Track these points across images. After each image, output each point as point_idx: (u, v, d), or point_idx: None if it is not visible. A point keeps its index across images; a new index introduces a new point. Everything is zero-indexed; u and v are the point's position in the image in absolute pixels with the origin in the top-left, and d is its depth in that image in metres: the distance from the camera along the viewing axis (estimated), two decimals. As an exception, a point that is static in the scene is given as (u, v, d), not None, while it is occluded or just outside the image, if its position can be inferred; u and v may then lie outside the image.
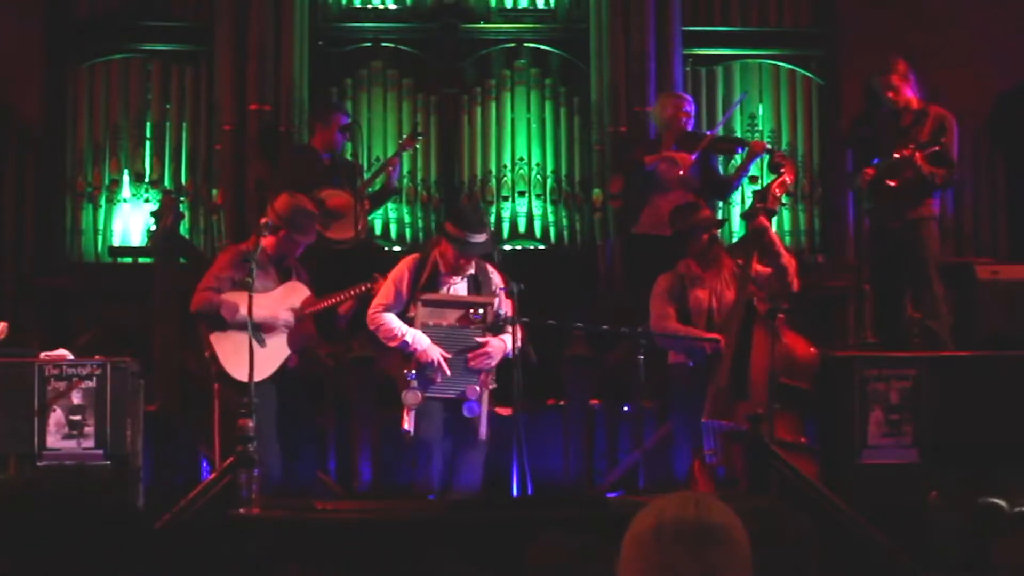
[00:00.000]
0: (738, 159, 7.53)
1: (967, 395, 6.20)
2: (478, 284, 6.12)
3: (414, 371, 5.91)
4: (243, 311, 5.84)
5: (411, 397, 5.90)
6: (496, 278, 6.18)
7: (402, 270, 6.12)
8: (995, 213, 8.30)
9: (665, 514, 2.04)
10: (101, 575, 1.54)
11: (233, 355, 5.94)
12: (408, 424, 5.92)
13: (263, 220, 6.17)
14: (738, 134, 8.21)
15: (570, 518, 5.22)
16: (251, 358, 5.64)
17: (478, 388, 5.96)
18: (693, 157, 7.14)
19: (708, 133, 7.46)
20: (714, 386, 6.06)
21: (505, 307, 6.08)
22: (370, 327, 6.08)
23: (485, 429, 5.94)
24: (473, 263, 6.09)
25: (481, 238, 6.01)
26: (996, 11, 8.38)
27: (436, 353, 5.94)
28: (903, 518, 5.77)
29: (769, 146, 7.56)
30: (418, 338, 5.97)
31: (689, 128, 7.37)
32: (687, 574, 1.99)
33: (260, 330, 5.98)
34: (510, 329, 5.96)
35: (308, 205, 6.35)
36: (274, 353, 6.12)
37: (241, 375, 5.77)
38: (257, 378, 5.70)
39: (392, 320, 6.03)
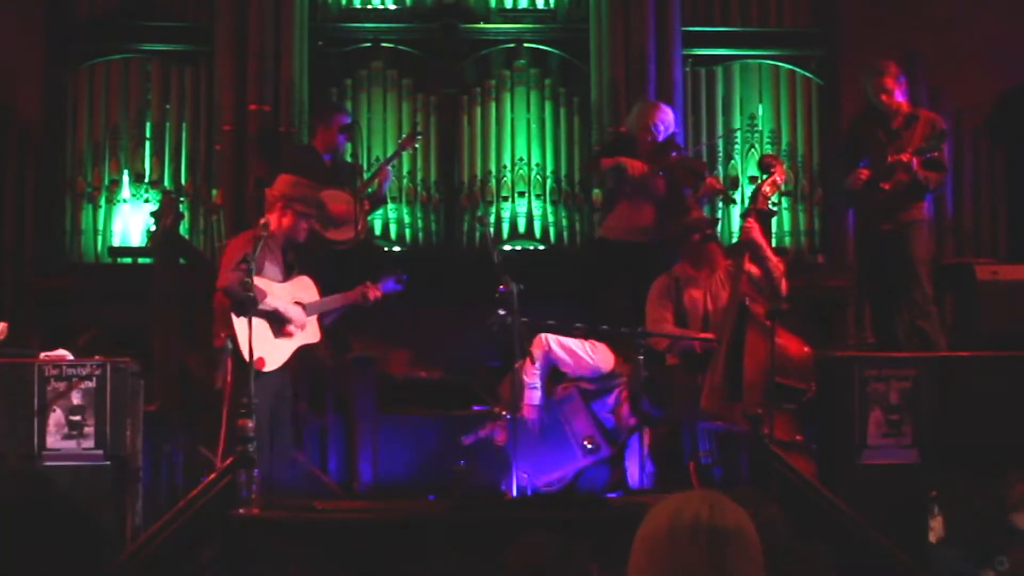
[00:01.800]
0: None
1: (967, 395, 6.20)
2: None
3: (509, 416, 6.02)
4: (268, 300, 5.93)
5: (496, 433, 6.03)
6: None
7: (586, 353, 6.38)
8: (995, 213, 8.30)
9: (680, 515, 2.03)
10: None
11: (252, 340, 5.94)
12: (469, 440, 6.08)
13: (262, 220, 6.16)
14: (737, 135, 8.21)
15: (570, 518, 5.22)
16: (251, 356, 5.65)
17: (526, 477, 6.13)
18: (647, 168, 7.14)
19: (674, 154, 7.41)
20: (708, 386, 6.06)
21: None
22: (533, 347, 6.27)
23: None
24: None
25: (662, 415, 6.27)
26: (996, 11, 8.38)
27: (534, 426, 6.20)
28: (903, 518, 5.77)
29: (722, 186, 7.62)
30: (535, 400, 6.22)
31: (659, 139, 7.34)
32: (700, 575, 1.99)
33: (278, 321, 6.06)
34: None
35: (307, 180, 6.39)
36: (287, 343, 6.16)
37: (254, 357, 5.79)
38: (269, 367, 5.85)
39: (536, 372, 6.28)
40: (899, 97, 6.97)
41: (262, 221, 6.13)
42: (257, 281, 5.93)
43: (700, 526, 2.02)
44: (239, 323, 5.92)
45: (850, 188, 6.99)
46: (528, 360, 6.20)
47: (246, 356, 5.82)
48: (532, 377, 6.23)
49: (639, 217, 7.19)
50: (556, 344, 6.32)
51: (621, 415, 6.24)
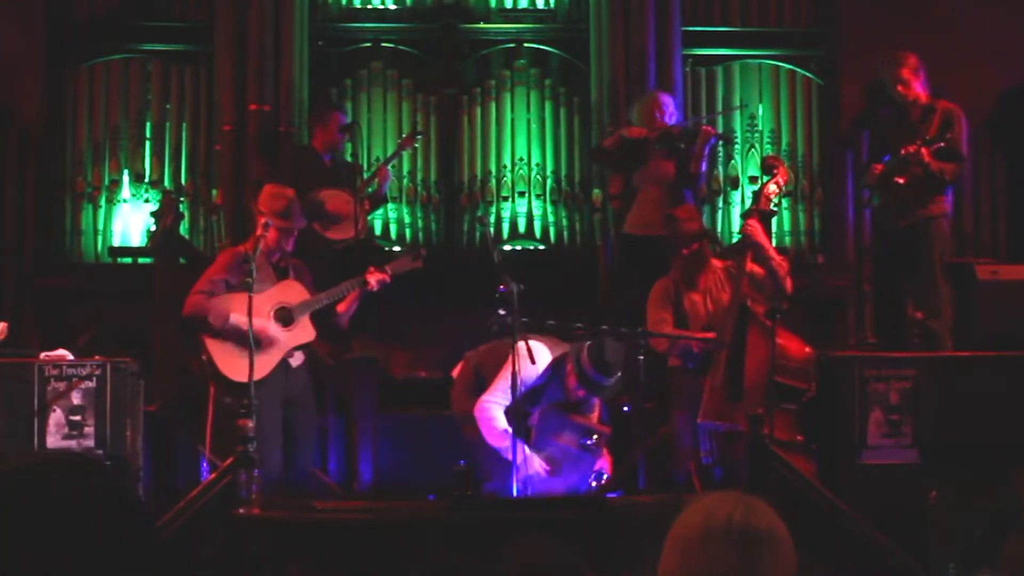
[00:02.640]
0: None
1: (967, 395, 6.20)
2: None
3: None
4: (232, 319, 5.87)
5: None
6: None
7: (521, 370, 5.94)
8: (995, 213, 8.30)
9: (714, 515, 2.03)
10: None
11: (228, 356, 5.93)
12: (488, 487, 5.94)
13: (262, 221, 6.15)
14: (737, 135, 8.22)
15: (570, 518, 5.22)
16: (251, 356, 5.65)
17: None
18: (644, 132, 7.16)
19: (678, 123, 7.42)
20: (709, 387, 6.05)
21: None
22: (476, 413, 5.99)
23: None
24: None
25: (610, 382, 5.98)
26: (996, 11, 8.38)
27: (538, 465, 6.01)
28: (903, 518, 5.77)
29: (716, 131, 7.57)
30: (525, 452, 5.92)
31: (666, 121, 7.34)
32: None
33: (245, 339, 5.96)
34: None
35: (289, 192, 6.30)
36: (271, 353, 6.09)
37: (237, 375, 5.78)
38: (256, 377, 5.74)
39: (501, 418, 5.97)
40: (917, 89, 6.93)
41: (263, 221, 6.13)
42: (225, 300, 5.94)
43: (733, 527, 2.01)
44: (212, 343, 5.96)
45: (867, 184, 6.97)
46: (490, 430, 6.01)
47: (225, 373, 5.88)
48: (503, 440, 5.92)
49: (655, 208, 7.18)
50: (500, 397, 5.97)
51: (569, 388, 6.04)
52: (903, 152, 6.72)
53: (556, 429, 6.10)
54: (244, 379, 5.65)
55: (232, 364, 5.87)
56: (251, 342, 5.67)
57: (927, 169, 6.70)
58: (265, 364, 6.00)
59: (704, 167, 7.56)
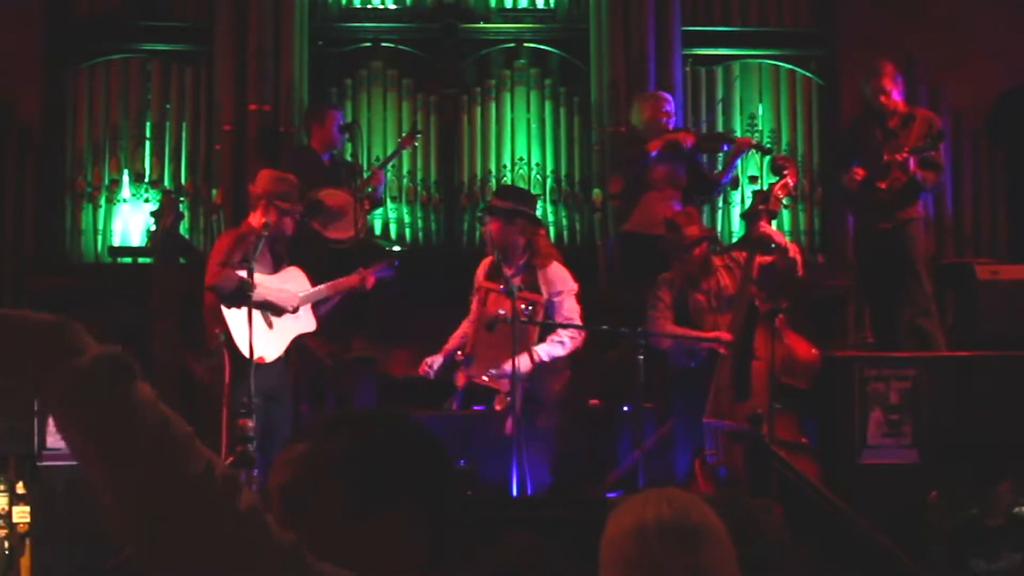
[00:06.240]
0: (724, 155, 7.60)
1: (967, 395, 6.20)
2: (534, 281, 6.15)
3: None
4: (260, 291, 5.89)
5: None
6: (559, 277, 6.19)
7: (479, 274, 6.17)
8: (995, 213, 8.30)
9: (645, 515, 2.02)
10: None
11: (245, 332, 5.92)
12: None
13: (260, 222, 6.15)
14: (737, 135, 8.21)
15: (569, 518, 5.22)
16: (251, 353, 5.65)
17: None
18: (693, 136, 7.20)
19: (693, 128, 7.50)
20: (716, 386, 6.05)
21: (567, 309, 6.14)
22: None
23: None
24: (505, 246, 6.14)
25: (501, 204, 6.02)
26: (996, 11, 8.39)
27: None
28: (903, 518, 5.77)
29: (754, 141, 7.59)
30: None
31: (671, 126, 7.36)
32: (675, 573, 1.98)
33: (272, 311, 6.00)
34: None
35: (290, 175, 6.33)
36: (283, 333, 6.12)
37: (254, 352, 5.79)
38: (268, 358, 5.87)
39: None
40: (896, 96, 6.99)
41: (260, 222, 6.12)
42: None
43: (665, 523, 2.00)
44: (231, 316, 5.93)
45: (846, 188, 7.01)
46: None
47: (242, 349, 5.84)
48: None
49: (667, 208, 7.15)
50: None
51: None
52: (887, 158, 6.78)
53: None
54: (257, 357, 5.75)
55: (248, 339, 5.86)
56: (251, 344, 5.68)
57: (912, 177, 6.78)
58: (276, 348, 6.06)
59: (728, 177, 7.55)
